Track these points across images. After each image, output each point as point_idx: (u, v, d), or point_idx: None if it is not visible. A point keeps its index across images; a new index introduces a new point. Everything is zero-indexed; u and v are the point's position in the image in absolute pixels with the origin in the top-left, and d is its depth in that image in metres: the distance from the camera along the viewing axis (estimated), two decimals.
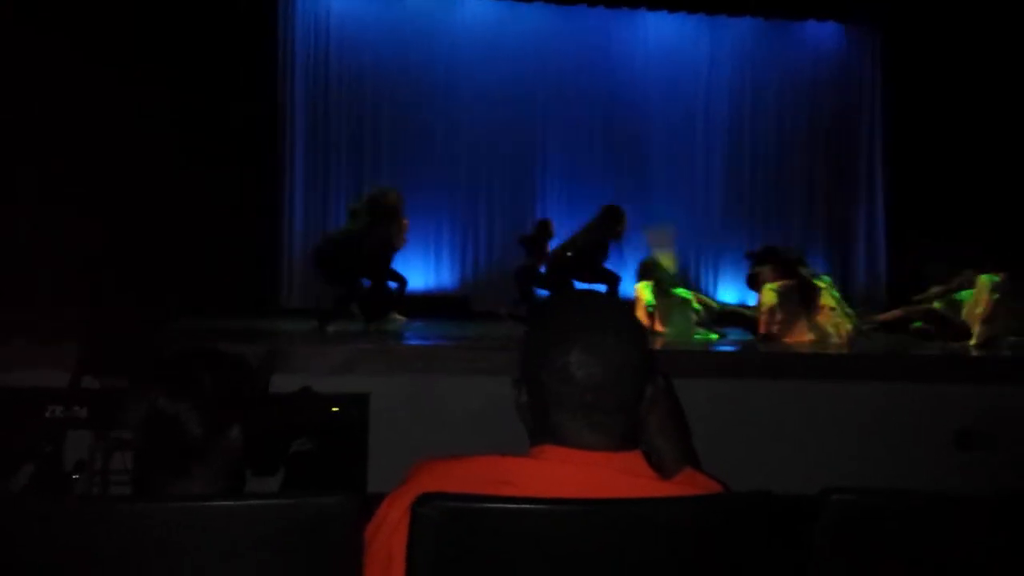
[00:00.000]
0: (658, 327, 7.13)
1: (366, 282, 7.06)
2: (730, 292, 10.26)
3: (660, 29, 10.77)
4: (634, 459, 1.25)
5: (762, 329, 6.83)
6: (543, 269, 8.10)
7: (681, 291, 7.44)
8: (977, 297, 6.82)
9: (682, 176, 10.73)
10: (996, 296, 6.67)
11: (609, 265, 7.70)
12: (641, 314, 7.00)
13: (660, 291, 7.25)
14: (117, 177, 7.59)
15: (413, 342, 6.12)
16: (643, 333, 1.30)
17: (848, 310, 7.05)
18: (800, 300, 6.84)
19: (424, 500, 1.09)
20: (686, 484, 1.27)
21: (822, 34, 11.01)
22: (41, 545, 1.09)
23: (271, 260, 9.34)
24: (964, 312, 6.91)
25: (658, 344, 6.27)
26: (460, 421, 4.30)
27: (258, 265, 8.98)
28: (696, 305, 7.38)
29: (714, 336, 7.05)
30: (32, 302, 5.99)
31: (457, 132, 10.16)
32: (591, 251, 7.51)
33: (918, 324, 7.23)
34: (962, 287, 7.06)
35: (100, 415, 3.25)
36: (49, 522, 1.10)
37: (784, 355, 5.96)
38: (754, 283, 7.29)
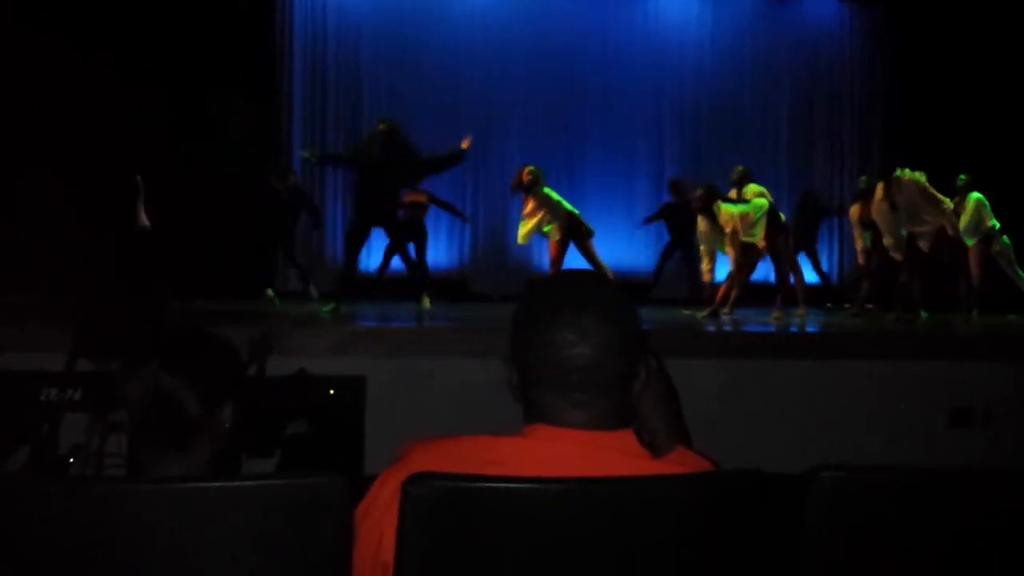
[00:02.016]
0: None
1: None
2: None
3: (660, 7, 10.73)
4: (625, 438, 1.25)
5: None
6: None
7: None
8: None
9: (682, 153, 10.73)
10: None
11: None
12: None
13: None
14: (115, 162, 7.59)
15: (410, 324, 6.12)
16: (632, 312, 1.29)
17: None
18: None
19: (415, 479, 1.09)
20: (678, 462, 1.27)
21: (822, 11, 10.99)
22: (34, 526, 1.09)
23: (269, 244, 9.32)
24: None
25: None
26: (457, 403, 4.30)
27: (256, 249, 8.97)
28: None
29: None
30: (32, 289, 6.02)
31: (454, 113, 10.13)
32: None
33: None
34: None
35: (95, 397, 3.25)
36: (42, 503, 1.10)
37: (778, 335, 5.98)
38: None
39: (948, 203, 7.43)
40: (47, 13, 7.34)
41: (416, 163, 7.19)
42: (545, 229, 7.75)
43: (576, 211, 7.79)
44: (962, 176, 8.10)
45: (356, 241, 7.09)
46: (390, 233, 7.54)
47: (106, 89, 7.42)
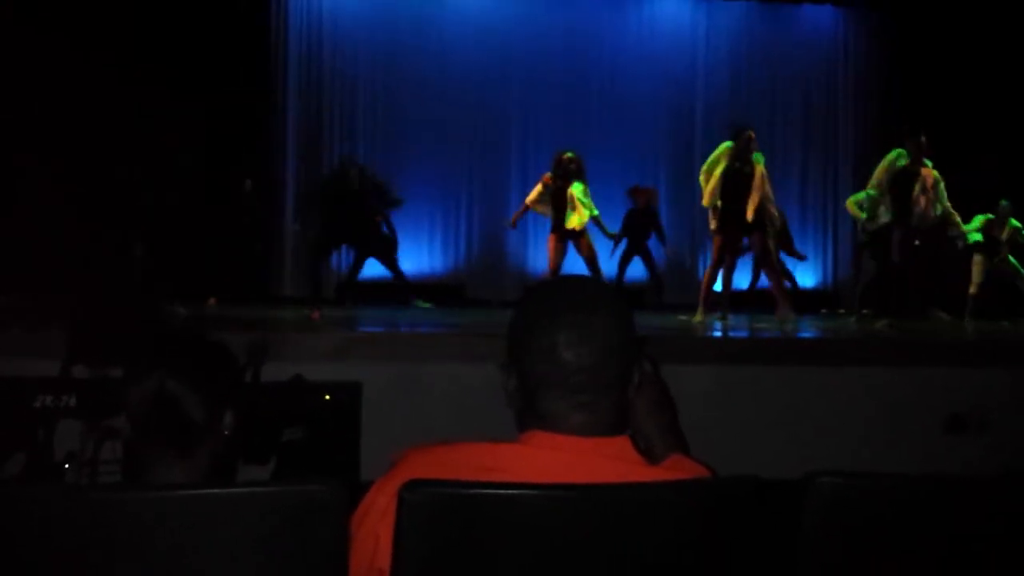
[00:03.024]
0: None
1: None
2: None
3: (656, 12, 10.76)
4: (622, 444, 1.26)
5: None
6: None
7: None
8: None
9: (677, 158, 10.75)
10: None
11: None
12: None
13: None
14: (110, 166, 7.59)
15: (406, 329, 6.12)
16: (630, 315, 1.31)
17: None
18: None
19: (411, 486, 1.09)
20: (674, 469, 1.27)
21: (818, 17, 11.03)
22: (31, 532, 1.09)
23: (264, 249, 9.34)
24: None
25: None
26: (454, 409, 4.29)
27: (251, 254, 8.98)
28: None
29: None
30: (29, 292, 6.01)
31: (451, 118, 10.15)
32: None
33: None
34: None
35: (90, 404, 3.24)
36: (40, 510, 1.10)
37: (773, 340, 5.98)
38: None
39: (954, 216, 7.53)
40: (47, 13, 7.35)
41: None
42: (576, 219, 7.36)
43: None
44: (1004, 201, 8.26)
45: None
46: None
47: (106, 89, 7.44)
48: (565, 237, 7.49)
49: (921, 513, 1.22)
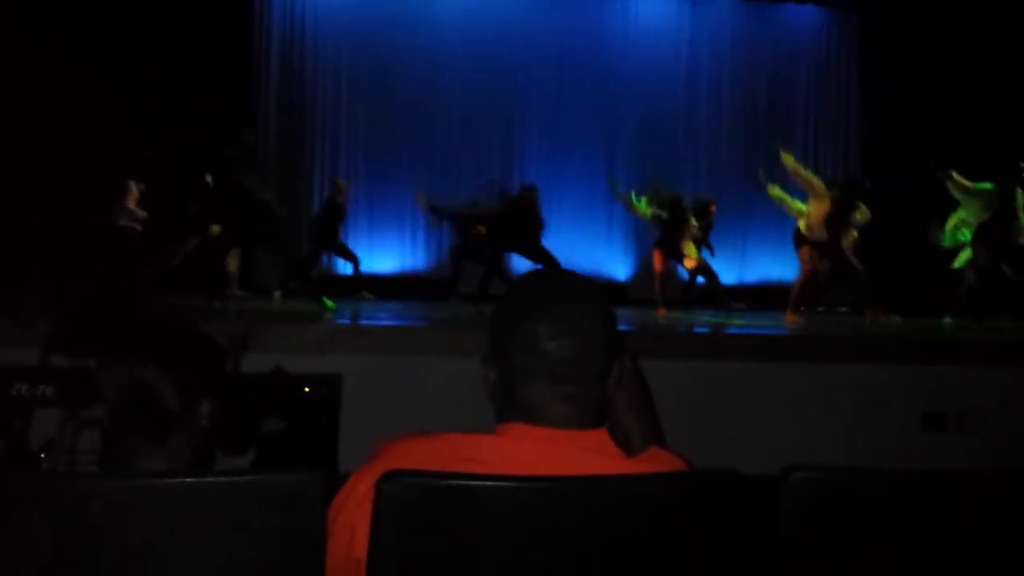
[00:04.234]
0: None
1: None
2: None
3: (641, 10, 10.78)
4: (600, 437, 1.26)
5: None
6: None
7: None
8: None
9: (662, 156, 10.78)
10: None
11: None
12: None
13: None
14: (92, 157, 7.55)
15: (387, 322, 6.11)
16: (612, 309, 1.31)
17: None
18: None
19: (389, 477, 1.09)
20: (651, 462, 1.28)
21: (801, 15, 11.09)
22: (11, 520, 1.08)
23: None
24: None
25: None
26: (433, 402, 4.29)
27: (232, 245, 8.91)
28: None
29: None
30: (18, 283, 5.97)
31: (435, 114, 10.12)
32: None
33: None
34: None
35: (68, 393, 3.21)
36: (14, 498, 1.09)
37: (754, 337, 6.02)
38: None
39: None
40: (45, 13, 7.32)
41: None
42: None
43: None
44: None
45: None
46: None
47: (104, 88, 7.42)
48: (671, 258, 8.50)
49: (898, 508, 1.23)
